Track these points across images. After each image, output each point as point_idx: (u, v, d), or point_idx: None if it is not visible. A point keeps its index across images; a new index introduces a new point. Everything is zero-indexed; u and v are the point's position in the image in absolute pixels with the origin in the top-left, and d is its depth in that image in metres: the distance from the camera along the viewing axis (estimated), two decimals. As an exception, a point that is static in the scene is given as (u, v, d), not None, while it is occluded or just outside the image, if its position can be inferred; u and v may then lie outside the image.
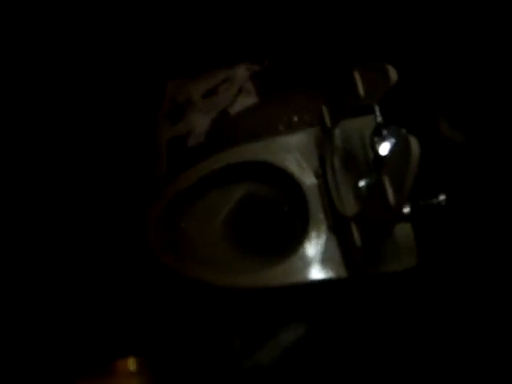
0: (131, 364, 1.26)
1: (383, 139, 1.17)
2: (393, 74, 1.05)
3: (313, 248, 1.43)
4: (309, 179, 1.50)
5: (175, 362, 1.68)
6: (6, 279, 1.74)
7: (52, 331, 1.71)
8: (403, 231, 1.36)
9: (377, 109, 1.19)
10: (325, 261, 1.42)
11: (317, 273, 1.41)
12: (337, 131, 1.43)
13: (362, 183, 1.33)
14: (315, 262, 1.42)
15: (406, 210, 1.16)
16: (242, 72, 1.99)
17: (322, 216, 1.46)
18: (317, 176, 1.48)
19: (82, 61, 1.90)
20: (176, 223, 1.59)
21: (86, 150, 1.92)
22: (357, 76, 1.19)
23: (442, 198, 1.18)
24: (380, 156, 1.17)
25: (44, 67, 1.88)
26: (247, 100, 2.00)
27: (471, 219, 1.28)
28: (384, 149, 1.16)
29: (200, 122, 1.96)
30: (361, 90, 1.18)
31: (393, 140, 1.16)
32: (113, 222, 1.85)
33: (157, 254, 1.50)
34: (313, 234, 1.44)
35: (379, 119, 1.19)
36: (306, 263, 1.42)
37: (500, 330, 1.30)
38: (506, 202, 1.16)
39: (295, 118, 1.97)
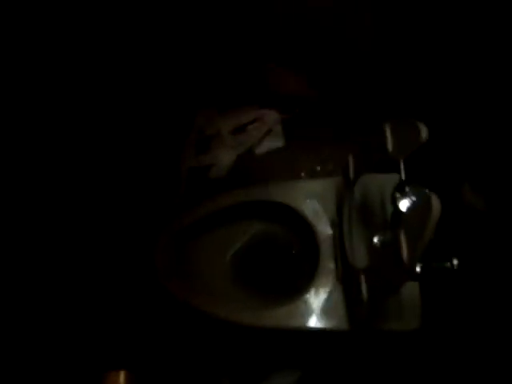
0: (122, 378, 1.25)
1: (405, 196, 1.18)
2: (424, 133, 1.06)
3: (318, 296, 1.42)
4: (324, 227, 1.50)
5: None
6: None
7: (47, 338, 1.71)
8: (410, 291, 1.35)
9: (402, 165, 1.20)
10: (328, 310, 1.40)
11: (318, 321, 1.40)
12: (359, 184, 1.44)
13: (376, 238, 1.33)
14: (318, 309, 1.41)
15: (417, 269, 1.16)
16: (273, 114, 2.03)
17: (331, 265, 1.45)
18: (332, 225, 1.49)
19: (120, 84, 1.95)
20: (186, 249, 1.59)
21: (110, 165, 1.95)
22: (388, 130, 1.20)
23: (454, 262, 1.18)
24: (399, 212, 1.17)
25: (79, 89, 1.92)
26: (274, 142, 2.03)
27: (481, 287, 1.27)
28: (404, 205, 1.17)
29: (225, 157, 1.98)
30: (390, 145, 1.19)
31: (414, 198, 1.17)
32: (121, 234, 1.86)
33: (160, 275, 1.50)
34: (320, 282, 1.44)
35: (403, 176, 1.20)
36: (309, 310, 1.41)
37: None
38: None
39: (318, 168, 1.99)
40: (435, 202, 0.97)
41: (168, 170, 1.98)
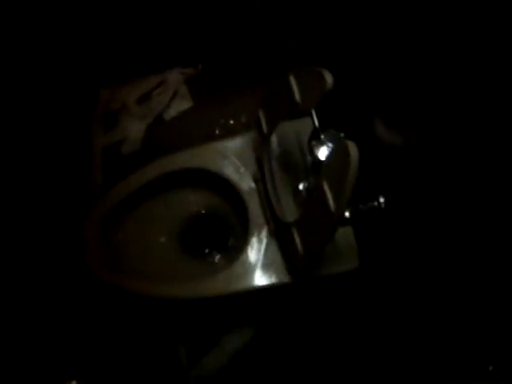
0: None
1: (321, 144, 1.16)
2: (329, 79, 1.04)
3: (254, 254, 1.41)
4: (247, 184, 1.48)
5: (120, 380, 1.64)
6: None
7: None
8: (344, 234, 1.36)
9: (314, 113, 1.18)
10: (267, 266, 1.40)
11: (259, 279, 1.39)
12: (274, 134, 1.42)
13: (301, 186, 1.31)
14: (257, 268, 1.40)
15: (347, 214, 1.16)
16: (175, 76, 1.96)
17: (262, 221, 1.44)
18: (255, 180, 1.46)
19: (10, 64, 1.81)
20: (113, 235, 1.54)
21: (19, 160, 1.83)
22: (292, 81, 1.17)
23: (381, 200, 1.18)
24: (318, 160, 1.16)
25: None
26: (182, 104, 1.97)
27: (410, 219, 1.29)
28: (322, 153, 1.16)
29: (135, 129, 1.90)
30: (297, 96, 1.16)
31: (331, 144, 1.15)
32: (47, 235, 1.77)
33: (93, 269, 1.44)
34: (254, 240, 1.43)
35: (316, 123, 1.18)
36: (248, 270, 1.40)
37: (436, 329, 1.31)
38: (442, 201, 1.16)
39: (231, 121, 1.95)
40: (352, 149, 0.96)
41: (80, 155, 1.89)
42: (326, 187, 1.06)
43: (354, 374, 1.56)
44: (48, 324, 1.68)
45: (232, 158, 1.51)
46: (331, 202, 1.05)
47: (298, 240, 1.26)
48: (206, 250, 1.61)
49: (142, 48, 1.90)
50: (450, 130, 1.08)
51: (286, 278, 1.39)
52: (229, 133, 1.90)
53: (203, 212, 1.64)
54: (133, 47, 1.89)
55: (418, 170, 1.20)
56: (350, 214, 1.16)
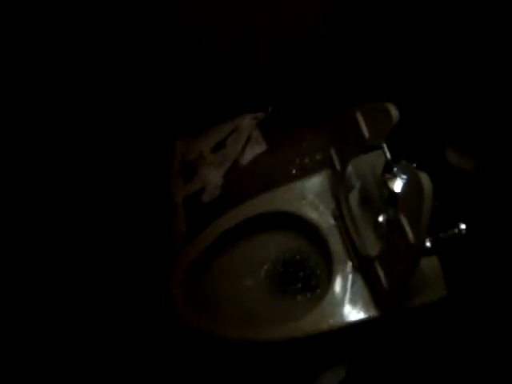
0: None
1: (394, 176, 1.17)
2: (395, 113, 1.05)
3: (340, 291, 1.41)
4: (327, 222, 1.49)
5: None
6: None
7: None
8: (430, 264, 1.34)
9: (385, 146, 1.19)
10: (354, 302, 1.39)
11: (347, 316, 1.38)
12: (348, 170, 1.43)
13: (381, 219, 1.31)
14: (345, 304, 1.39)
15: (428, 243, 1.15)
16: (247, 121, 2.01)
17: (345, 257, 1.44)
18: (335, 217, 1.47)
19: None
20: (200, 281, 1.57)
21: (103, 220, 1.92)
22: (359, 118, 1.19)
23: (462, 227, 1.17)
24: (394, 193, 1.17)
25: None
26: (256, 148, 2.01)
27: (493, 244, 1.26)
28: (397, 186, 1.16)
29: (213, 177, 1.96)
30: (365, 132, 1.18)
31: (404, 176, 1.16)
32: (134, 286, 1.84)
33: (181, 315, 1.48)
34: (339, 277, 1.42)
35: (388, 156, 1.19)
36: (336, 307, 1.39)
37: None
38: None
39: (306, 159, 1.97)
40: (425, 180, 0.96)
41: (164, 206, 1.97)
42: (403, 219, 1.06)
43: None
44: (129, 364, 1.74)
45: (310, 198, 1.53)
46: (410, 233, 1.05)
47: (381, 274, 1.25)
48: (293, 291, 1.62)
49: (211, 98, 1.96)
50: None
51: (374, 313, 1.38)
52: (305, 171, 1.92)
53: (287, 253, 1.65)
54: (202, 98, 1.95)
55: (493, 193, 1.17)
56: (432, 243, 1.15)
